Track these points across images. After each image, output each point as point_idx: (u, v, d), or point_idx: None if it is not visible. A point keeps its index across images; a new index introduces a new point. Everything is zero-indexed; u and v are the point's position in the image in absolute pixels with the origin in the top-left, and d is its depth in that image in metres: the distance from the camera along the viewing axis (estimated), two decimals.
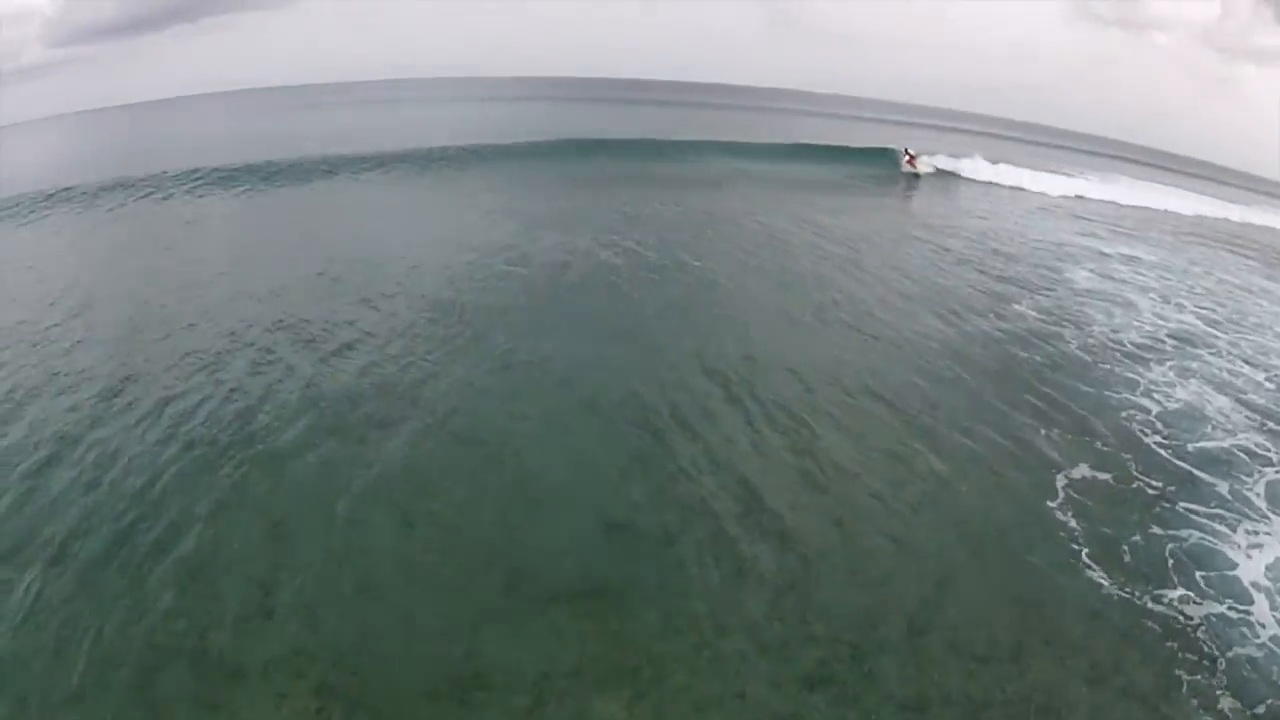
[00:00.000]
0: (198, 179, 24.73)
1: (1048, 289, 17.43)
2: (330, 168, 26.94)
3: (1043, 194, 34.62)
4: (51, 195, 23.15)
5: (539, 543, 7.35)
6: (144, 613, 6.33)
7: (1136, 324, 15.48)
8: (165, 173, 25.53)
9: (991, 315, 14.99)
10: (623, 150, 32.64)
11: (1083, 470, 9.43)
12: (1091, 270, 19.91)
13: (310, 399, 9.83)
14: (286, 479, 8.12)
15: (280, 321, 12.39)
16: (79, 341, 11.84)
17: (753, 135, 41.29)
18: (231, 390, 10.07)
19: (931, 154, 37.65)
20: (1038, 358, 12.96)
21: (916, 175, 35.06)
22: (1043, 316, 15.31)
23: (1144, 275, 20.16)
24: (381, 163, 27.94)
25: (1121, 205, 34.65)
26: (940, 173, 36.18)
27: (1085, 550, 7.88)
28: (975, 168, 36.72)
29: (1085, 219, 29.21)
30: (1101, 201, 35.01)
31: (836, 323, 13.84)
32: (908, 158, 35.90)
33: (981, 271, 18.38)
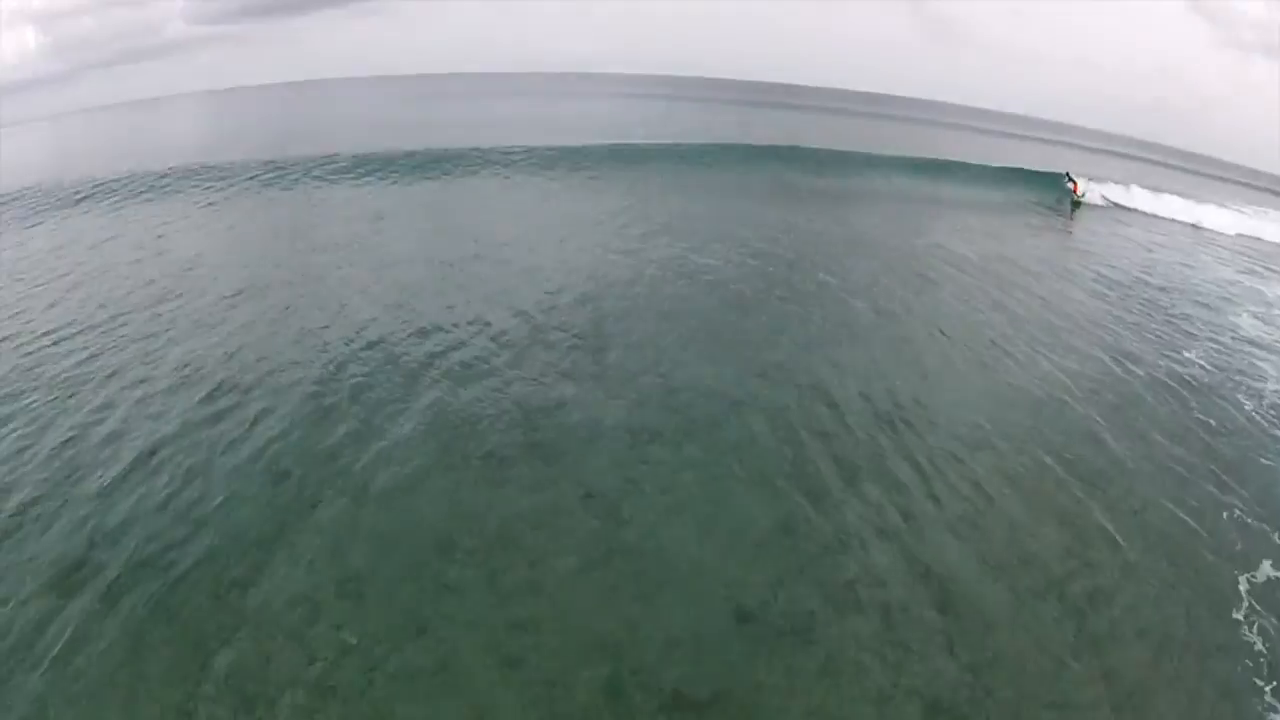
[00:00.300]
0: (329, 165, 24.79)
1: (1216, 337, 14.87)
2: (475, 160, 26.29)
3: (1216, 231, 30.01)
4: (166, 175, 23.80)
5: (653, 631, 6.00)
6: (184, 678, 5.43)
7: None
8: (301, 156, 25.79)
9: (1161, 362, 12.76)
10: (767, 157, 30.61)
11: (1266, 570, 7.60)
12: (1258, 318, 17.08)
13: (420, 425, 8.77)
14: (373, 520, 7.07)
15: (400, 329, 11.50)
16: (169, 334, 11.40)
17: (899, 148, 37.91)
18: (331, 406, 9.15)
19: (1100, 181, 33.30)
20: (1212, 418, 10.85)
21: (1077, 203, 31.11)
22: (1213, 368, 12.93)
23: None
24: (525, 158, 26.98)
25: None
26: (1106, 203, 32.07)
27: (1268, 686, 6.18)
28: (1139, 198, 32.55)
29: (1258, 260, 25.57)
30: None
31: (1000, 362, 11.92)
32: (1071, 184, 32.01)
33: (1148, 312, 15.85)
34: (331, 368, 10.15)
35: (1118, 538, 7.79)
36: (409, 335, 11.23)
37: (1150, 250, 23.43)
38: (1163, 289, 18.13)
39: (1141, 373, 12.16)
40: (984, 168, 33.79)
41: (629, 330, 11.84)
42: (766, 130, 44.52)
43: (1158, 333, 14.46)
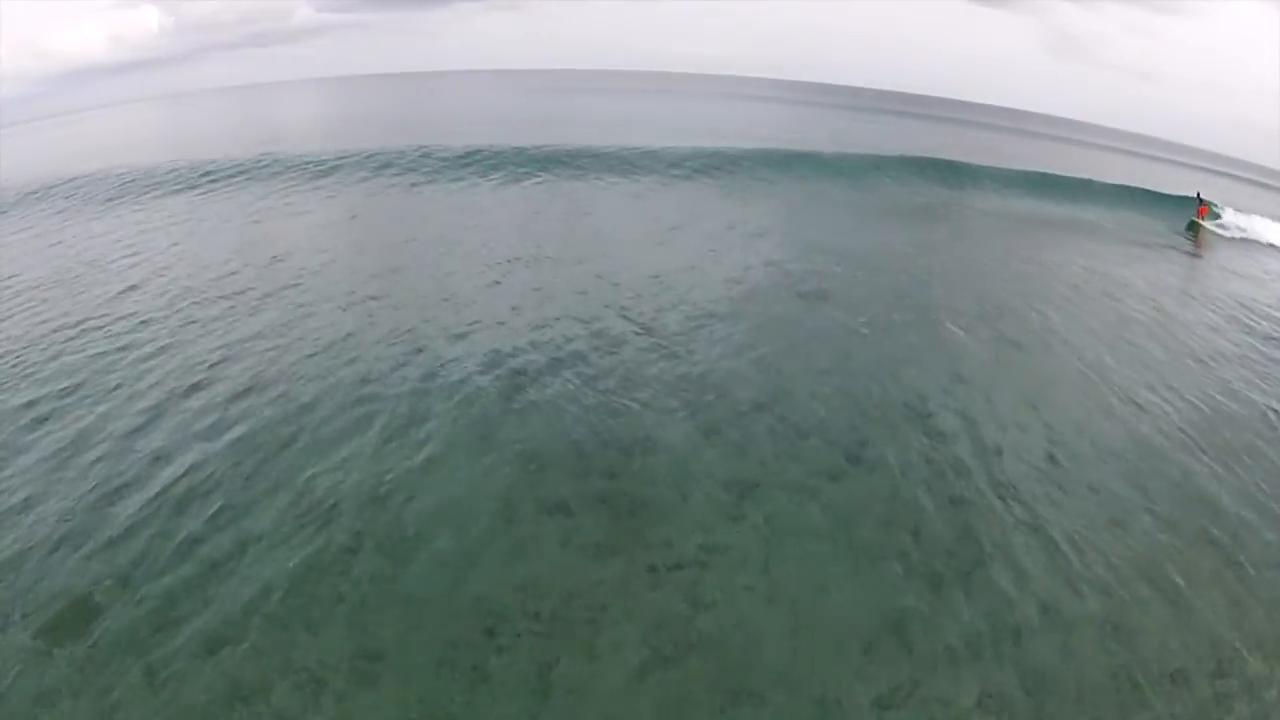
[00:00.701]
0: (436, 157, 24.24)
1: None
2: (587, 161, 24.91)
3: None
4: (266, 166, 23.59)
5: None
6: None
7: None
8: (407, 147, 25.42)
9: None
10: (895, 167, 28.14)
11: None
12: None
13: (486, 464, 7.56)
14: (413, 583, 5.93)
15: (485, 342, 10.40)
16: (233, 334, 10.72)
17: (1022, 162, 34.67)
18: (393, 433, 8.03)
19: (1242, 213, 28.54)
20: None
21: (1197, 226, 26.93)
22: None
23: None
24: (650, 161, 25.35)
25: None
26: (1237, 233, 27.39)
27: None
28: (1267, 230, 27.72)
29: None
30: None
31: (1137, 419, 9.75)
32: (1200, 206, 27.90)
33: None
34: (397, 383, 9.14)
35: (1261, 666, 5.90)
36: (487, 351, 10.08)
37: None
38: None
39: None
40: (1109, 185, 30.59)
41: (735, 354, 10.43)
42: (898, 140, 41.91)
43: None
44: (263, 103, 68.56)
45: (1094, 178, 31.58)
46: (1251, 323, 15.17)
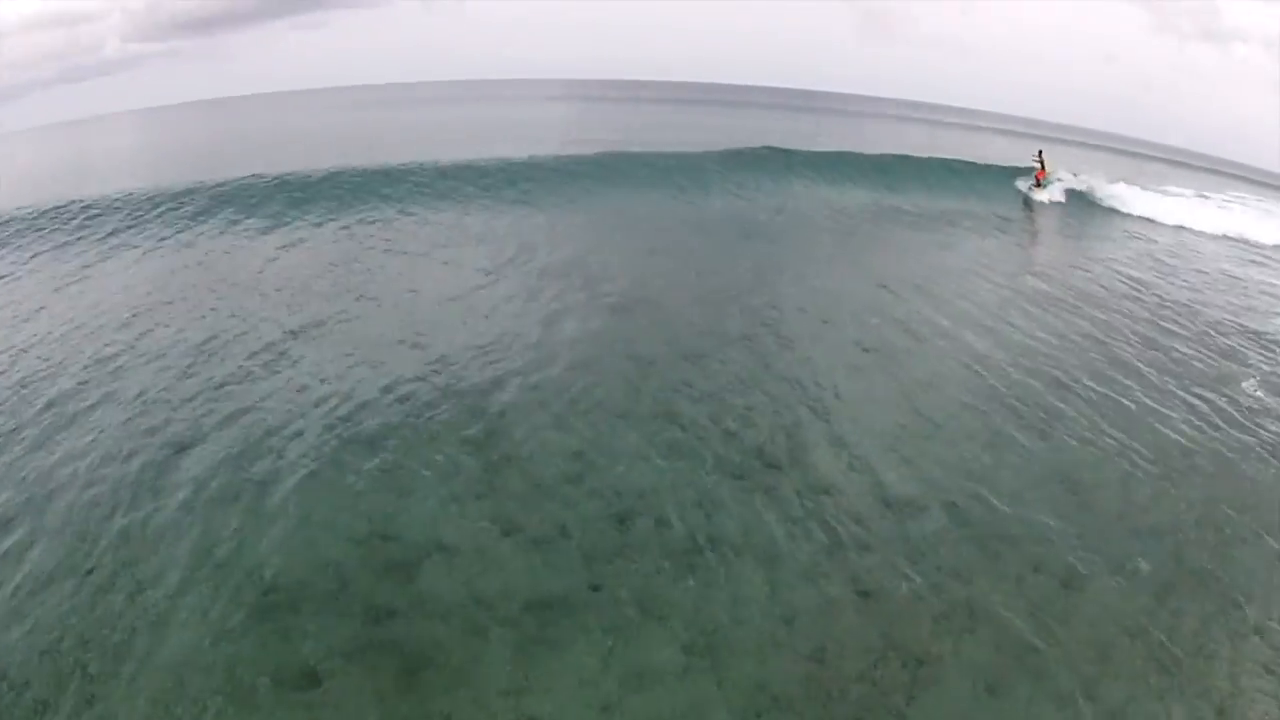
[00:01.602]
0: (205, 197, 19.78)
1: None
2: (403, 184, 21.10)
3: (1200, 231, 26.03)
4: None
5: None
6: None
7: None
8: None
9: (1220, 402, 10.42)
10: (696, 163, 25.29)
11: None
12: None
13: (229, 604, 5.69)
14: None
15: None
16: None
17: (835, 143, 33.60)
18: None
19: (1076, 174, 28.27)
20: None
21: (1036, 195, 26.05)
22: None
23: None
24: (448, 180, 21.59)
25: None
26: (1072, 198, 26.69)
27: None
28: (1113, 192, 27.67)
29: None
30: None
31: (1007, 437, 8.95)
32: (1038, 168, 27.06)
33: (1189, 339, 13.21)
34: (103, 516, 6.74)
35: None
36: (226, 452, 7.82)
37: (1159, 260, 20.42)
38: (1188, 307, 15.48)
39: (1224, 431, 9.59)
40: (930, 162, 29.26)
41: (528, 419, 8.61)
42: (719, 133, 38.65)
43: (1212, 365, 11.96)
44: (55, 143, 59.94)
45: (911, 153, 30.73)
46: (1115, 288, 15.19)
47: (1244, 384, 11.33)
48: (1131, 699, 5.27)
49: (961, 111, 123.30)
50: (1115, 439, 9.01)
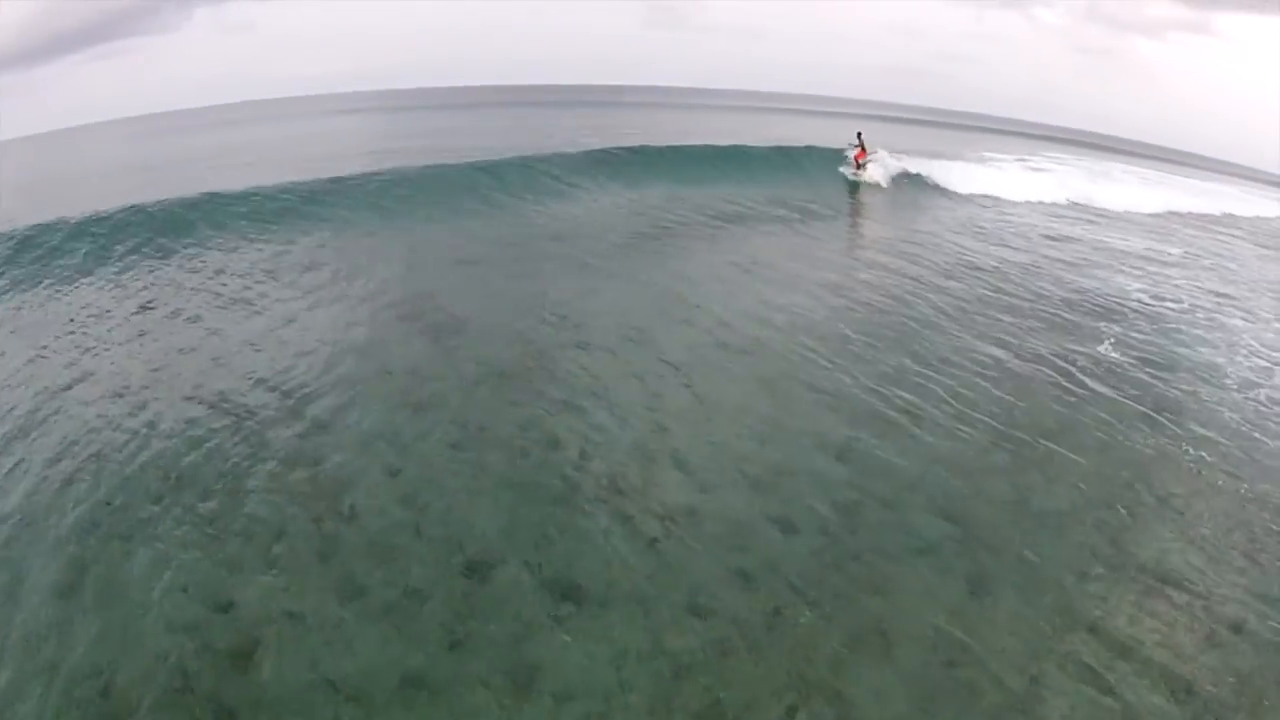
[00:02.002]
0: None
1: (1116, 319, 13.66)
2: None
3: (1023, 199, 27.20)
4: None
5: None
6: None
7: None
8: None
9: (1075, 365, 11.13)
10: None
11: None
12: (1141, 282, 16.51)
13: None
14: None
15: None
16: None
17: (635, 138, 30.80)
18: None
19: (895, 155, 27.17)
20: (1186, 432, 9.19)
21: (860, 176, 25.04)
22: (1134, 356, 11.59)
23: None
24: (223, 214, 19.08)
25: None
26: (896, 177, 26.47)
27: None
28: (933, 167, 27.93)
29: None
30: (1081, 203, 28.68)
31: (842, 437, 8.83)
32: (857, 149, 25.68)
33: (1036, 308, 14.14)
34: None
35: None
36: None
37: (986, 232, 21.26)
38: (1024, 276, 16.55)
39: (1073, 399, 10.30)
40: (740, 150, 28.31)
41: (356, 463, 8.03)
42: (504, 137, 36.73)
43: (1062, 344, 12.54)
44: None
45: (714, 141, 29.70)
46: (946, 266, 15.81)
47: (1100, 347, 11.90)
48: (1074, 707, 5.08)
49: (760, 95, 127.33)
50: (987, 422, 9.02)
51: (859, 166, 25.61)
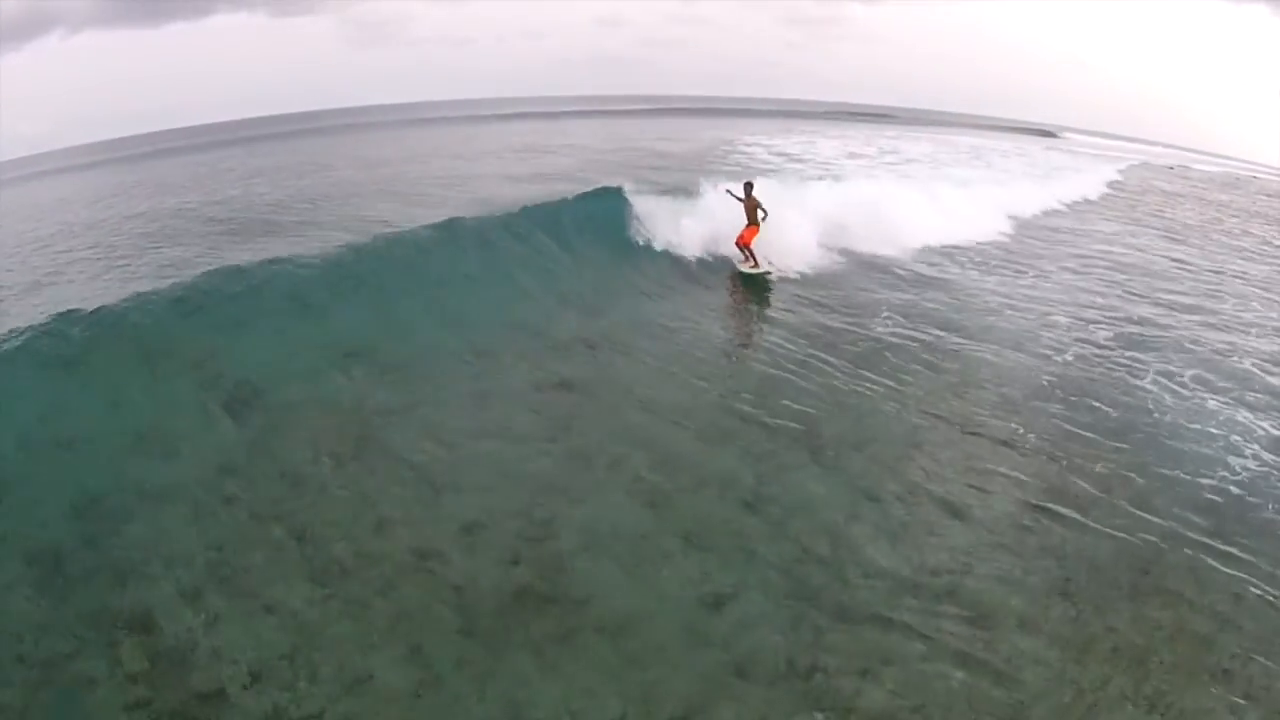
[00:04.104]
0: None
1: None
2: None
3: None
4: None
5: None
6: None
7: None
8: None
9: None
10: None
11: None
12: None
13: None
14: None
15: None
16: None
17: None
18: None
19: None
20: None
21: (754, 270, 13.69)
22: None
23: None
24: None
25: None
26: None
27: None
28: None
29: None
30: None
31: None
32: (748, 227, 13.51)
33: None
34: None
35: None
36: None
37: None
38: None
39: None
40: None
41: None
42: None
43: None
44: None
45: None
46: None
47: (880, 316, 11.59)
48: None
49: (471, 103, 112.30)
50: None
51: (746, 254, 13.85)
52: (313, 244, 12.08)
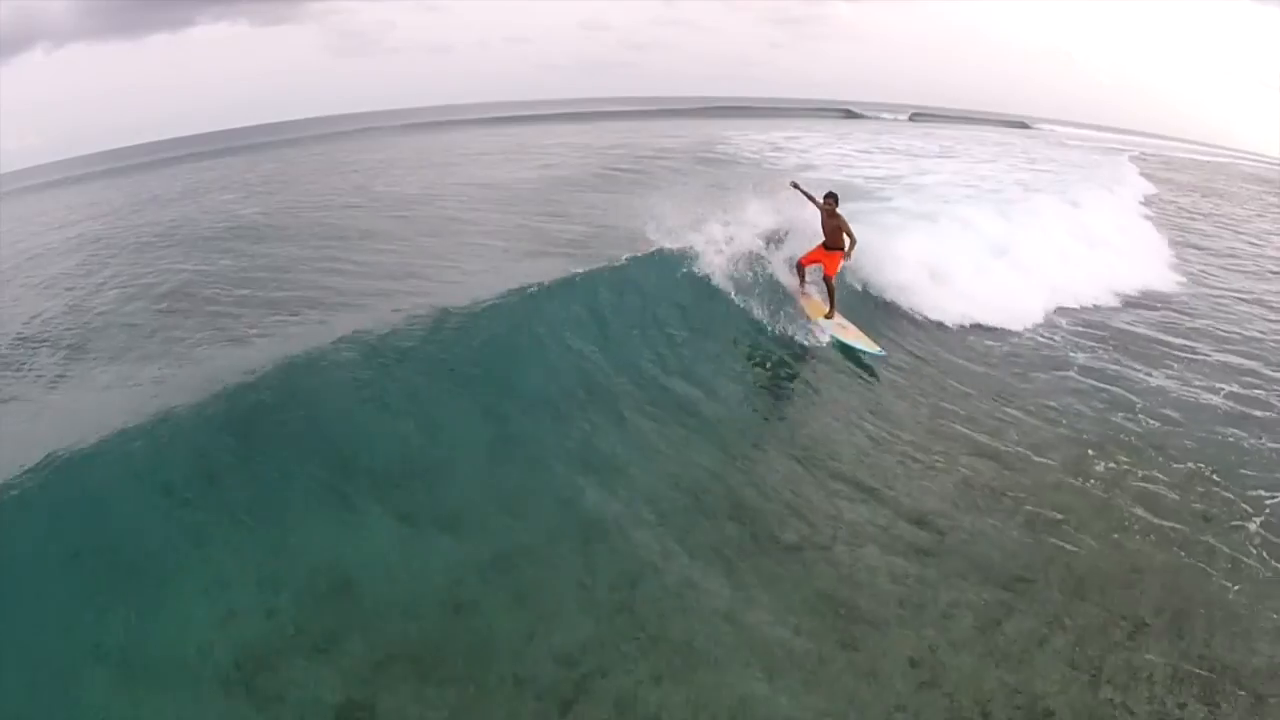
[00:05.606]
0: None
1: None
2: None
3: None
4: None
5: None
6: None
7: None
8: None
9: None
10: None
11: None
12: None
13: None
14: None
15: None
16: None
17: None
18: None
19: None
20: None
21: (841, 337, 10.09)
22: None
23: None
24: None
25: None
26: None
27: None
28: None
29: None
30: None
31: None
32: (816, 248, 10.32)
33: None
34: None
35: None
36: None
37: None
38: None
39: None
40: None
41: None
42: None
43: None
44: None
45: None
46: None
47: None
48: None
49: (452, 109, 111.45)
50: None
51: (809, 283, 10.99)
52: None
